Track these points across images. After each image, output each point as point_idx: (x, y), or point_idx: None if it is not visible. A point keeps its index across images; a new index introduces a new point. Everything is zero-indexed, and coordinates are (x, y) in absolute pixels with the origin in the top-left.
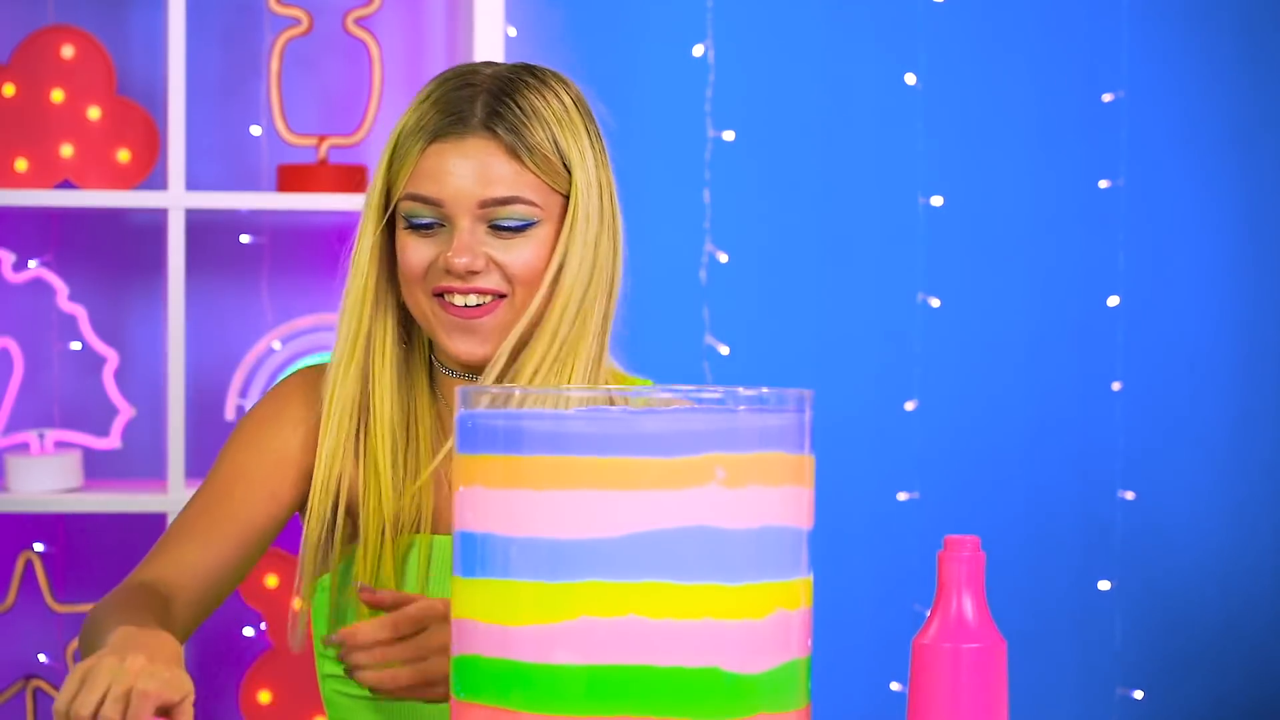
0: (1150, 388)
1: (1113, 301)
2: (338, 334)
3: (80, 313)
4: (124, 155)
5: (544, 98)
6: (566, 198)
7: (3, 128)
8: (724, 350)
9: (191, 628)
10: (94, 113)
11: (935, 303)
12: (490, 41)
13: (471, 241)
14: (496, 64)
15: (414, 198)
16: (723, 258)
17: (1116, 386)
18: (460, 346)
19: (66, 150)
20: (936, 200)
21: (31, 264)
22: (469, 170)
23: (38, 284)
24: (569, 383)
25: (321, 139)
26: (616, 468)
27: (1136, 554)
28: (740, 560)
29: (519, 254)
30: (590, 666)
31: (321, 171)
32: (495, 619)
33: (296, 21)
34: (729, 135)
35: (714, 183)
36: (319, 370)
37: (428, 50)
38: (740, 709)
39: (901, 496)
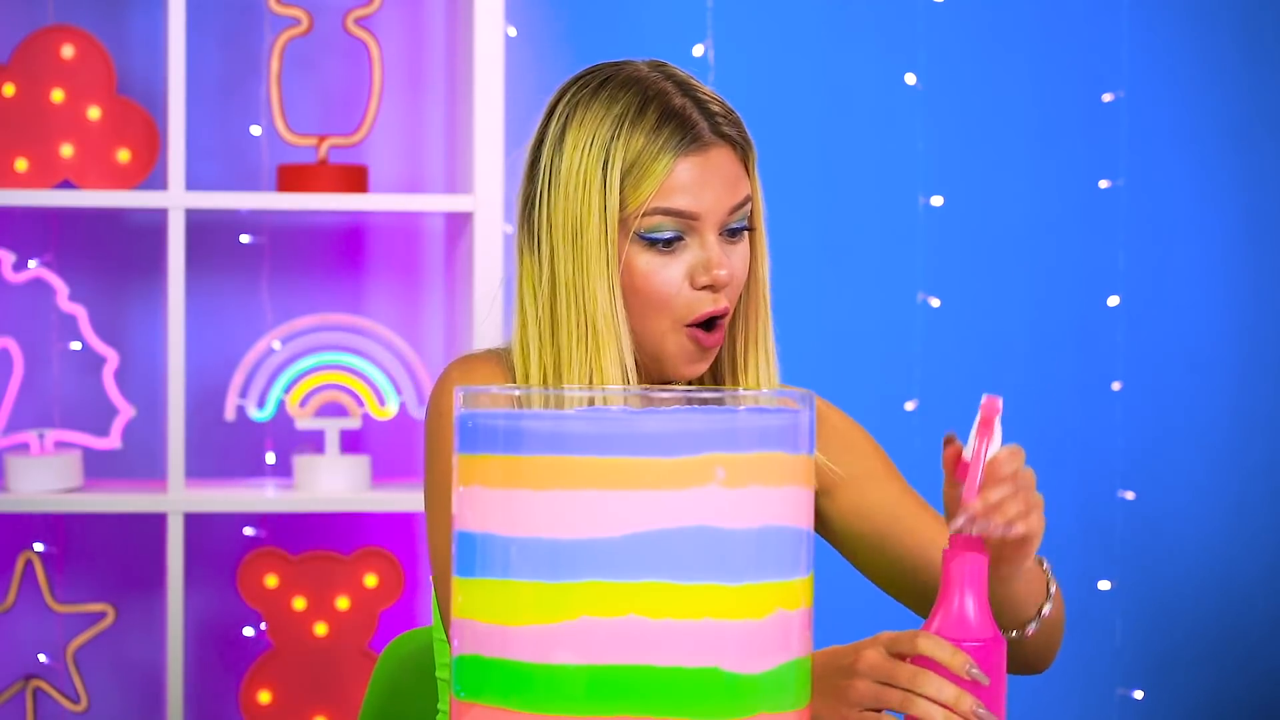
0: (1150, 388)
1: (1113, 301)
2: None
3: (80, 313)
4: (124, 155)
5: (720, 98)
6: None
7: (3, 128)
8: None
9: None
10: (94, 113)
11: (935, 303)
12: (490, 41)
13: (723, 252)
14: (643, 65)
15: (663, 212)
16: None
17: (1116, 386)
18: (693, 370)
19: (66, 150)
20: (936, 200)
21: (31, 264)
22: (719, 182)
23: (38, 284)
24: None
25: (321, 139)
26: (616, 468)
27: (1136, 554)
28: (740, 560)
29: (740, 258)
30: (590, 666)
31: (321, 171)
32: (495, 619)
33: (296, 21)
34: None
35: None
36: (481, 361)
37: (428, 50)
38: (740, 709)
39: None
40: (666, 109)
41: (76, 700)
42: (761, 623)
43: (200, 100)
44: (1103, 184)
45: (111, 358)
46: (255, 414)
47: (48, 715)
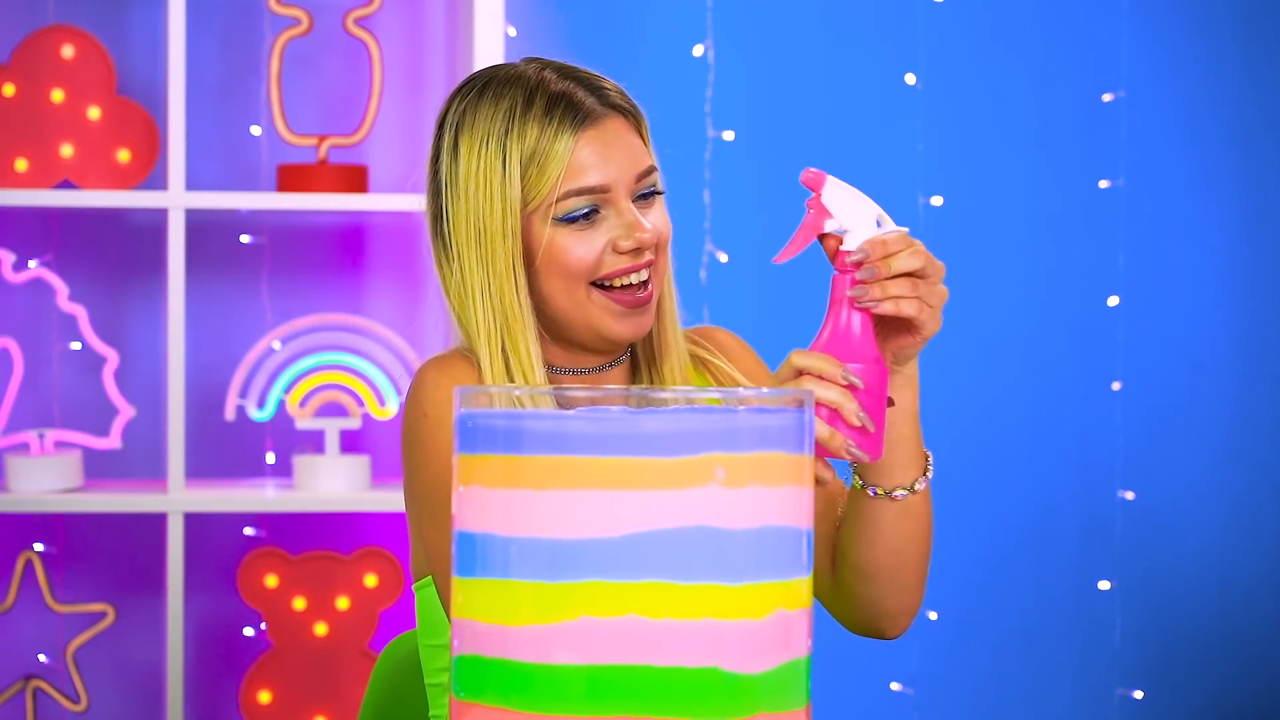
0: (1150, 388)
1: (1113, 301)
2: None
3: (80, 313)
4: (124, 155)
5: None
6: None
7: (3, 128)
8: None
9: None
10: (94, 113)
11: None
12: (490, 41)
13: (638, 216)
14: (518, 64)
15: (575, 193)
16: (723, 258)
17: (1116, 386)
18: (629, 329)
19: (66, 150)
20: (936, 200)
21: (31, 264)
22: (619, 151)
23: (38, 284)
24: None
25: (321, 139)
26: (616, 468)
27: (1136, 554)
28: (740, 560)
29: (658, 217)
30: (590, 666)
31: (321, 171)
32: (495, 619)
33: (296, 21)
34: (729, 135)
35: (714, 183)
36: (448, 361)
37: (428, 50)
38: (740, 709)
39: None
40: (552, 95)
41: (76, 700)
42: (762, 623)
43: (200, 100)
44: (1103, 184)
45: (111, 358)
46: (255, 414)
47: (48, 715)
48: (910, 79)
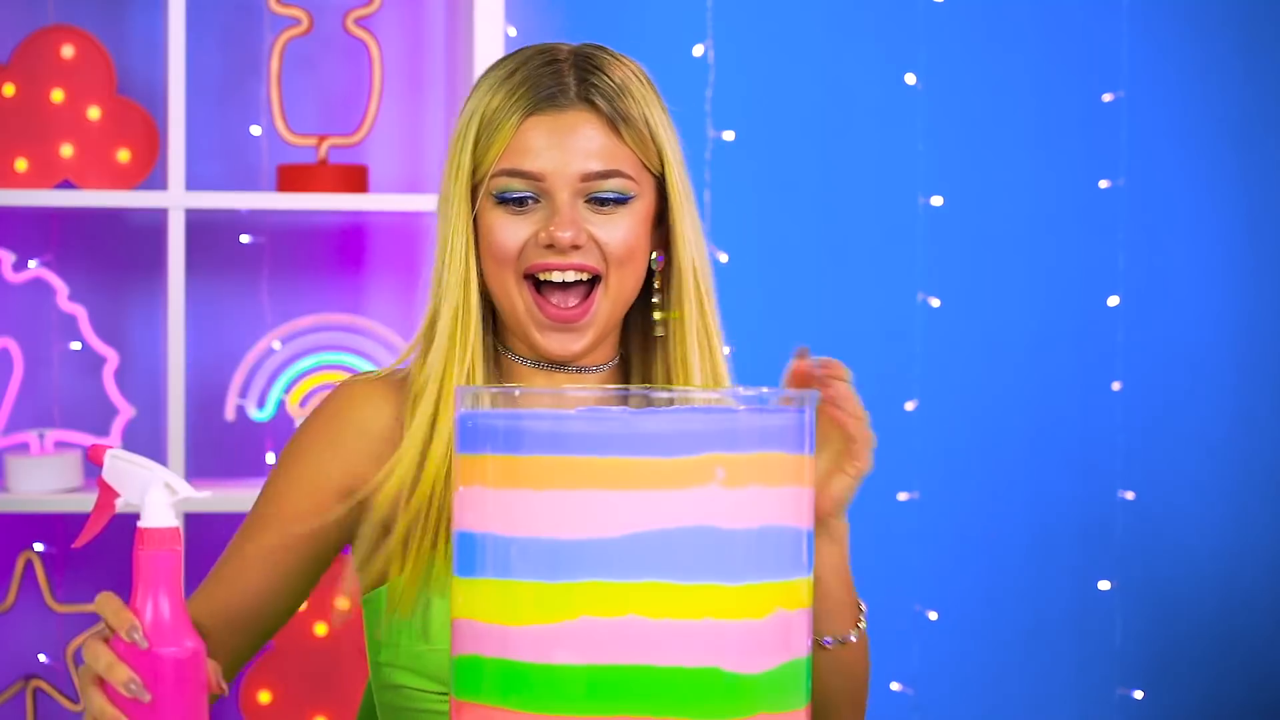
0: (1150, 388)
1: (1113, 301)
2: (432, 331)
3: (80, 313)
4: (124, 155)
5: (628, 72)
6: (655, 177)
7: (3, 128)
8: (724, 350)
9: (238, 662)
10: (94, 113)
11: (935, 303)
12: (490, 41)
13: (574, 215)
14: (566, 44)
15: (509, 173)
16: (723, 258)
17: (1116, 386)
18: (554, 344)
19: (66, 150)
20: (936, 200)
21: (31, 264)
22: (571, 143)
23: (38, 284)
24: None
25: (321, 139)
26: (616, 468)
27: (1136, 554)
28: (740, 560)
29: (617, 230)
30: (590, 667)
31: (321, 171)
32: (495, 619)
33: (296, 21)
34: (729, 135)
35: (714, 183)
36: (360, 383)
37: (428, 50)
38: (740, 709)
39: (901, 496)
40: (535, 71)
41: (77, 700)
42: (762, 623)
43: (200, 100)
44: (1103, 184)
45: (111, 358)
46: (255, 414)
47: (48, 715)
48: (910, 79)
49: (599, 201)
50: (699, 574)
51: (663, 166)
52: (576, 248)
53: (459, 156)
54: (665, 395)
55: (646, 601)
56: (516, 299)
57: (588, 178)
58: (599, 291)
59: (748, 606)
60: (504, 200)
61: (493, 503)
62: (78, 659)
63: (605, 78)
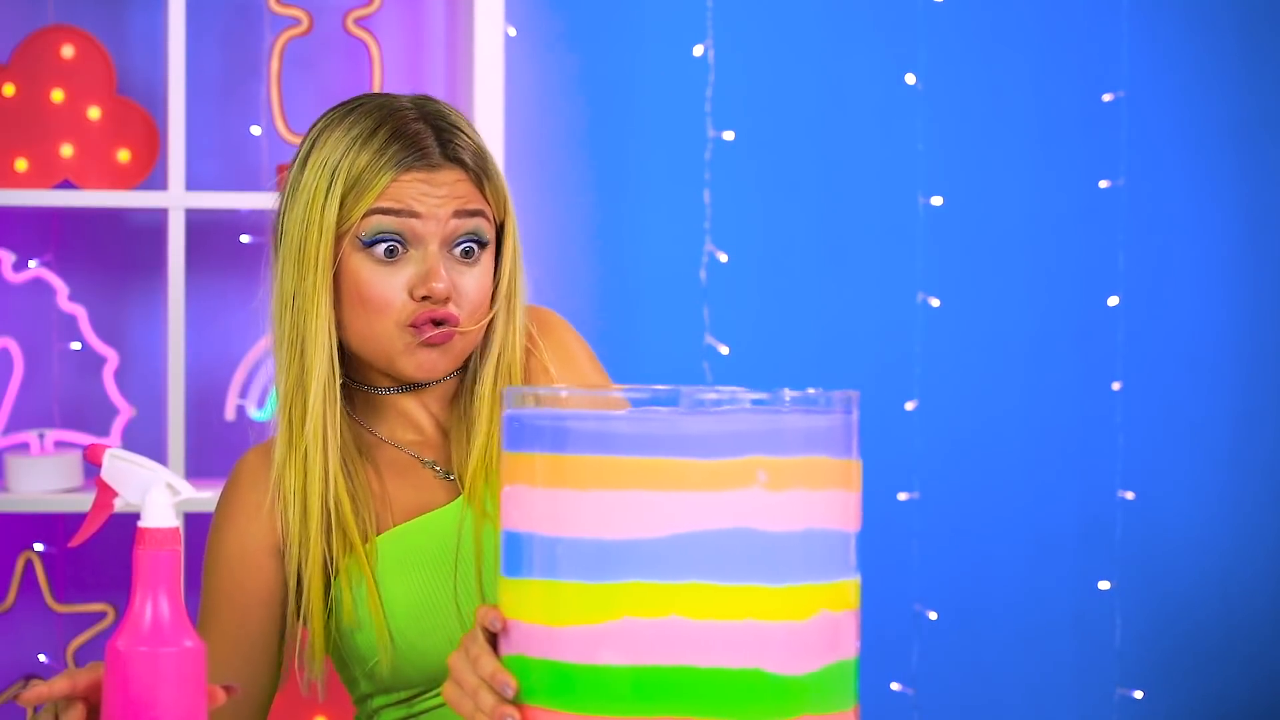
0: (1150, 388)
1: (1113, 301)
2: (286, 396)
3: (80, 313)
4: (124, 155)
5: (473, 130)
6: (496, 225)
7: (3, 128)
8: (724, 350)
9: None
10: (94, 113)
11: (935, 303)
12: (490, 41)
13: (442, 267)
14: (401, 96)
15: (383, 211)
16: (723, 258)
17: (1116, 386)
18: (423, 362)
19: (66, 150)
20: (936, 200)
21: (31, 264)
22: (443, 193)
23: (38, 284)
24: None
25: None
26: (660, 468)
27: (1136, 554)
28: (783, 562)
29: (472, 282)
30: (634, 667)
31: None
32: (540, 619)
33: (296, 21)
34: (729, 135)
35: (714, 183)
36: (251, 452)
37: (428, 50)
38: (784, 710)
39: (901, 496)
40: (398, 130)
41: None
42: (805, 624)
43: (200, 100)
44: (1103, 184)
45: (111, 358)
46: (255, 414)
47: None
48: (910, 79)
49: (464, 251)
50: (741, 575)
51: (504, 215)
52: (447, 299)
53: (320, 214)
54: (711, 394)
55: (689, 602)
56: (395, 339)
57: (459, 214)
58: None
59: (790, 608)
60: (372, 246)
61: (539, 502)
62: (77, 658)
63: (465, 137)
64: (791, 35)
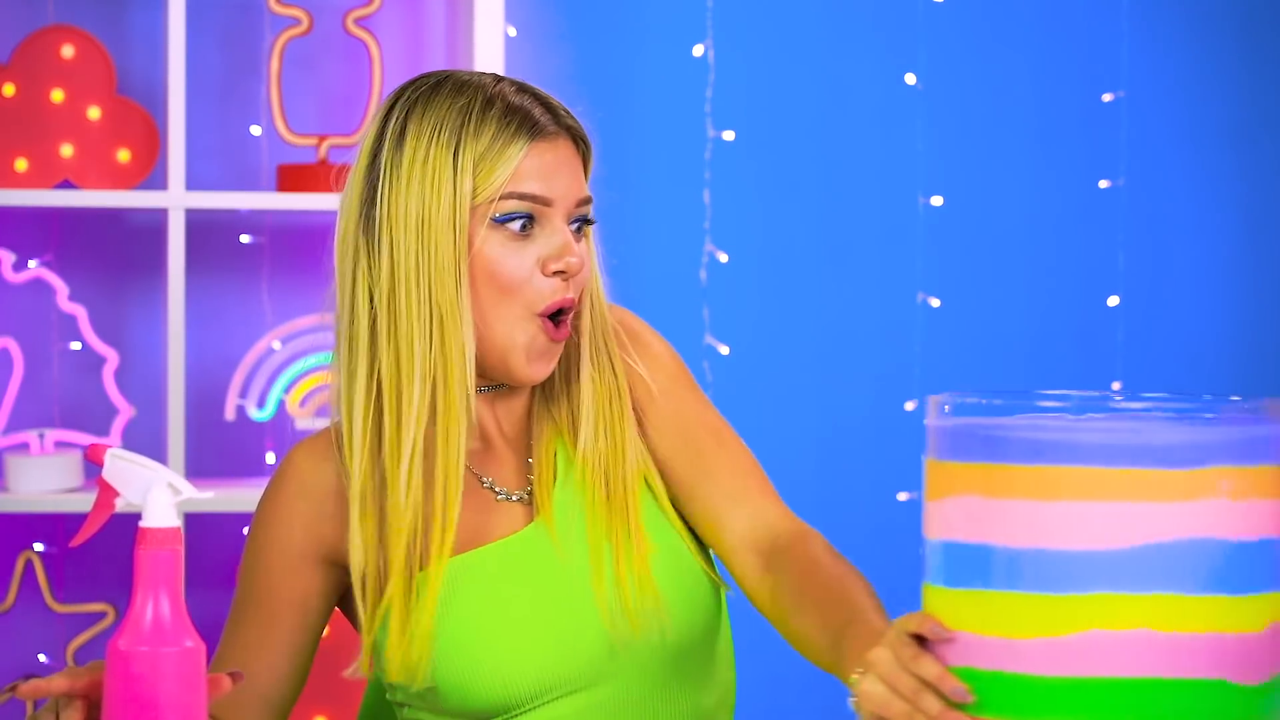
0: (1150, 388)
1: (1113, 301)
2: (392, 386)
3: (80, 313)
4: (124, 155)
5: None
6: None
7: (3, 128)
8: (724, 350)
9: None
10: (94, 113)
11: (935, 303)
12: (490, 41)
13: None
14: (484, 73)
15: (519, 196)
16: (723, 258)
17: (1116, 387)
18: (541, 370)
19: (66, 150)
20: (936, 200)
21: (31, 264)
22: (568, 169)
23: (38, 284)
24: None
25: (321, 139)
26: (1132, 479)
27: None
28: (1243, 572)
29: (586, 253)
30: (1102, 679)
31: (321, 171)
32: (998, 631)
33: (296, 21)
34: (729, 135)
35: (714, 183)
36: (300, 449)
37: (428, 50)
38: None
39: (901, 496)
40: (509, 104)
41: None
42: (1260, 634)
43: (200, 100)
44: (1103, 184)
45: (111, 358)
46: (255, 414)
47: None
48: (910, 79)
49: (576, 226)
50: (1206, 586)
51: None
52: (579, 272)
53: (454, 189)
54: (1172, 405)
55: (1158, 614)
56: (519, 330)
57: (581, 202)
58: (571, 314)
59: (1248, 618)
60: (505, 222)
61: (999, 513)
62: (77, 658)
63: (558, 106)
64: (791, 35)
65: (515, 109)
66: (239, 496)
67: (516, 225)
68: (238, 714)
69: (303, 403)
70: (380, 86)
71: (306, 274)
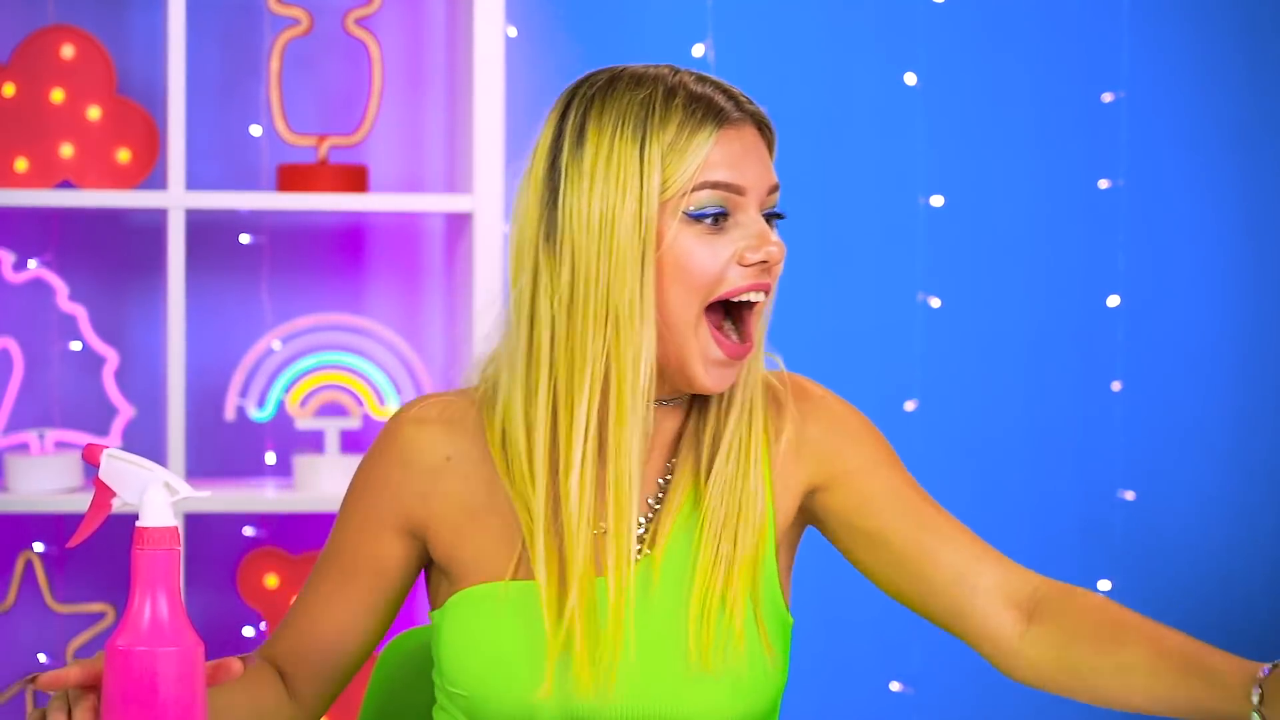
0: (1150, 388)
1: (1113, 301)
2: (568, 389)
3: (80, 313)
4: (124, 155)
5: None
6: None
7: (3, 128)
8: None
9: (321, 699)
10: (94, 113)
11: (935, 303)
12: (490, 41)
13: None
14: (657, 66)
15: (712, 186)
16: None
17: (1116, 386)
18: (721, 380)
19: (66, 150)
20: (936, 200)
21: (31, 264)
22: (758, 157)
23: (38, 284)
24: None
25: (321, 139)
26: None
27: (1136, 554)
28: None
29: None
30: None
31: (321, 171)
32: None
33: (296, 21)
34: None
35: None
36: (409, 420)
37: (428, 50)
38: None
39: None
40: (691, 93)
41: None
42: None
43: (200, 100)
44: (1103, 184)
45: (111, 358)
46: (255, 414)
47: None
48: (910, 79)
49: (766, 216)
50: None
51: None
52: (780, 260)
53: (642, 178)
54: None
55: None
56: (693, 330)
57: (772, 190)
58: (753, 318)
59: None
60: (700, 218)
61: None
62: (77, 658)
63: (739, 94)
64: (791, 35)
65: (699, 97)
66: (238, 496)
67: (711, 218)
68: (299, 664)
69: (303, 403)
70: (380, 86)
71: (306, 274)
